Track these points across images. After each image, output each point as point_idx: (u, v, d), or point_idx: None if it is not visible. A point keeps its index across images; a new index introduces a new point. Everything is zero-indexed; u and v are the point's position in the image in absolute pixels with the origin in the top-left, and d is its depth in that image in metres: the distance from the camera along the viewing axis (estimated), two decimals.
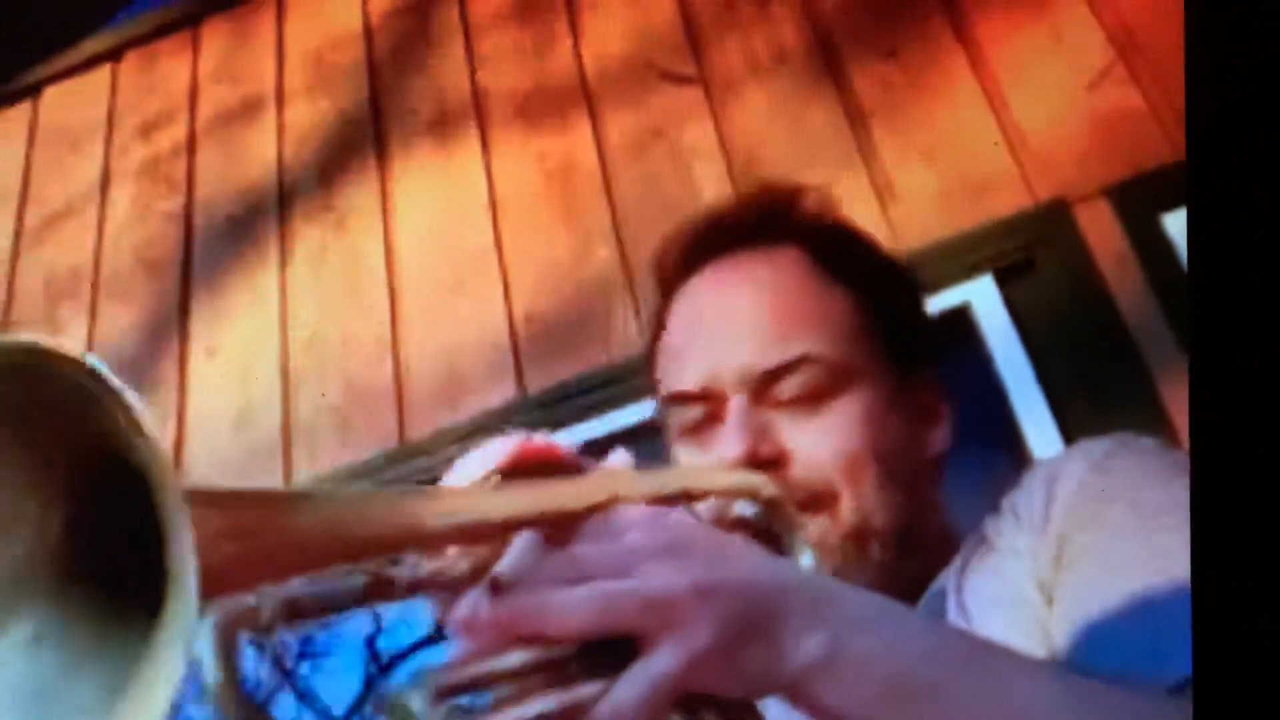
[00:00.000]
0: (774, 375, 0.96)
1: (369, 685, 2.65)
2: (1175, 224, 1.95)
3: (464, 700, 0.58)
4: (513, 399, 2.22)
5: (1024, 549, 0.87)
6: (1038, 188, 2.09)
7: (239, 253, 2.65)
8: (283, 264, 2.58)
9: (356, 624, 2.63)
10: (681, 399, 1.00)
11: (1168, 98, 2.06)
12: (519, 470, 0.71)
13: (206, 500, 0.48)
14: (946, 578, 0.93)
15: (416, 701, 0.56)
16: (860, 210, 2.17)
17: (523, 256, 2.39)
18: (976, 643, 0.75)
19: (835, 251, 1.04)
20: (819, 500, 0.94)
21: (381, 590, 0.61)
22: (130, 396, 0.46)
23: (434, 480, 2.33)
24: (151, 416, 0.46)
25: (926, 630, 0.71)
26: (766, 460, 0.93)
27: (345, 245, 2.56)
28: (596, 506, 0.67)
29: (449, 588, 0.65)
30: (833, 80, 2.36)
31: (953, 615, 0.89)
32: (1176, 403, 1.82)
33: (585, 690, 0.59)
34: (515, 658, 0.60)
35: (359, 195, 2.61)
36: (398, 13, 2.85)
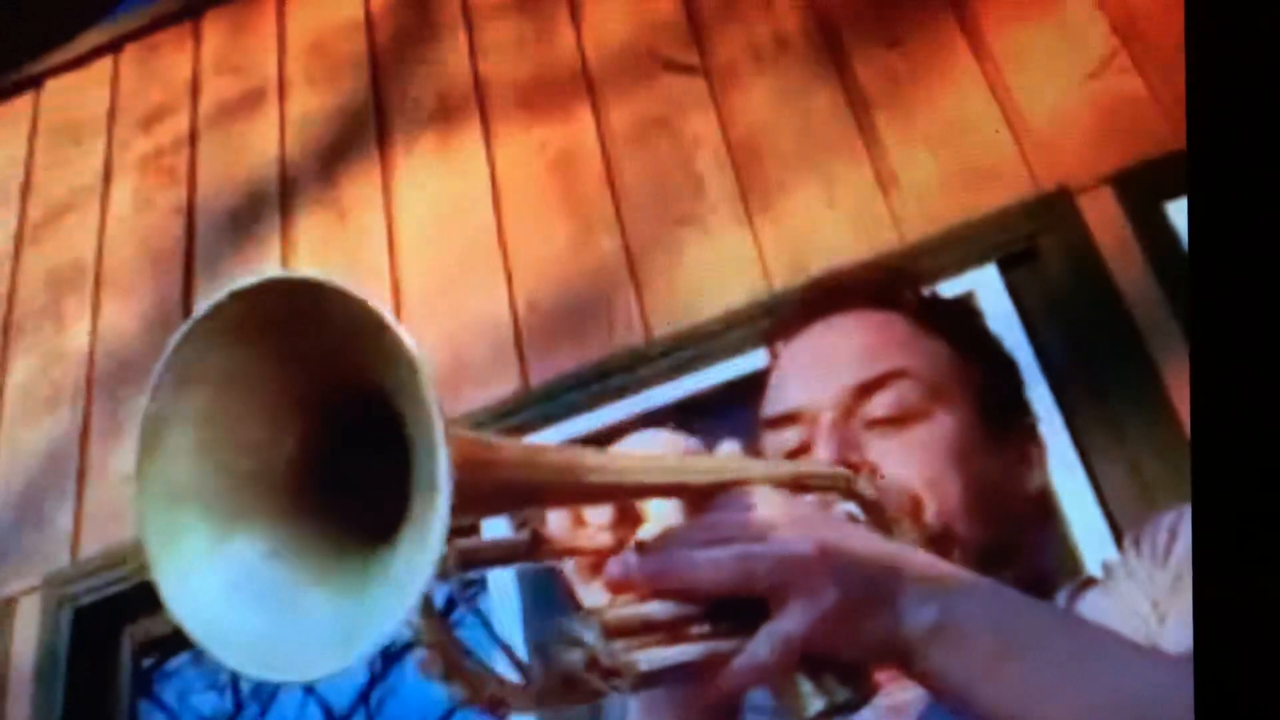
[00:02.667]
0: (865, 390, 0.99)
1: (373, 677, 2.65)
2: (1179, 212, 1.94)
3: (622, 643, 0.64)
4: (516, 389, 2.22)
5: (1142, 575, 0.90)
6: (1041, 176, 2.08)
7: (241, 245, 2.65)
8: (285, 255, 2.58)
9: None
10: (776, 422, 1.04)
11: (1170, 85, 2.05)
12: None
13: (452, 425, 0.52)
14: (1057, 600, 0.96)
15: (589, 635, 0.62)
16: (863, 199, 2.18)
17: (525, 246, 2.39)
18: (1080, 620, 0.79)
19: (938, 316, 1.09)
20: (904, 507, 0.95)
21: (540, 549, 0.69)
22: (397, 328, 0.51)
23: None
24: (415, 347, 0.51)
25: (1033, 605, 0.75)
26: (854, 467, 0.95)
27: (347, 236, 2.56)
28: (728, 483, 0.72)
29: (591, 556, 0.73)
30: (835, 69, 2.35)
31: None
32: (1180, 390, 1.81)
33: (723, 645, 0.65)
34: (660, 608, 0.66)
35: (361, 186, 2.61)
36: (398, 3, 2.85)
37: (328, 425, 0.57)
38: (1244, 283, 0.55)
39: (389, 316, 0.51)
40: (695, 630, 0.67)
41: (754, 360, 2.09)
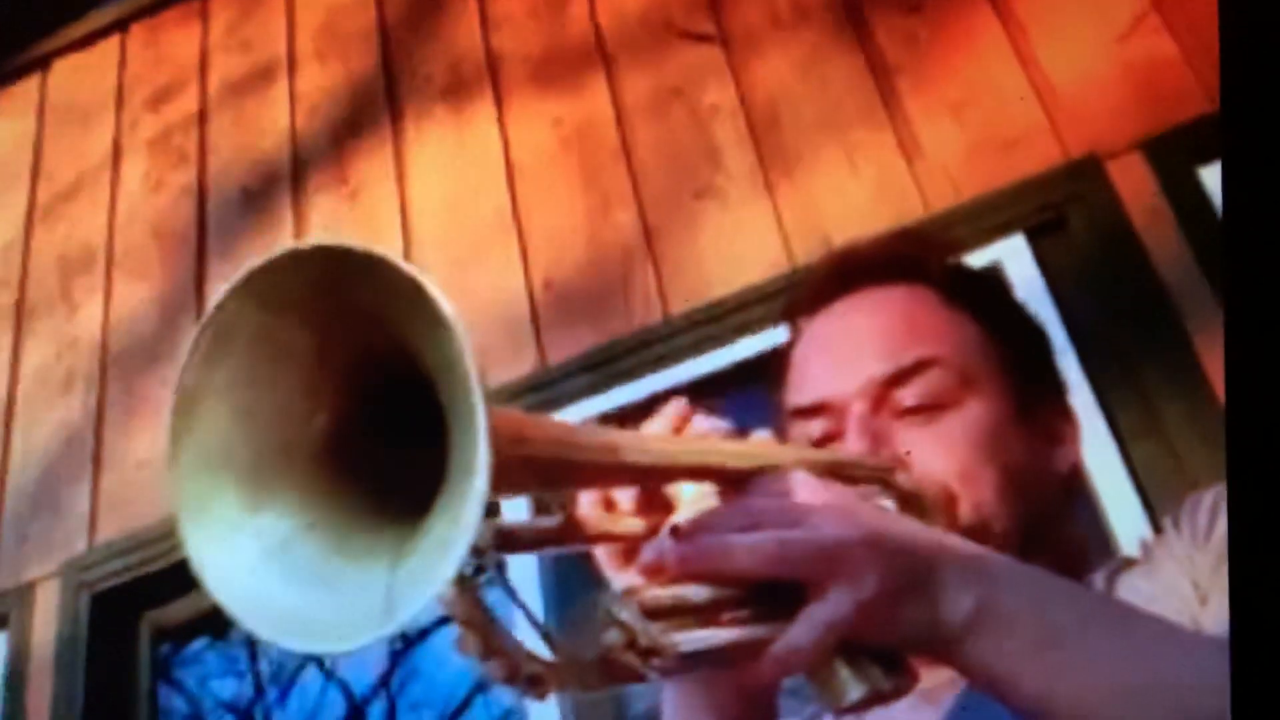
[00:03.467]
0: (895, 380, 0.98)
1: (394, 660, 2.65)
2: (1212, 177, 1.91)
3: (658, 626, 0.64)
4: (533, 367, 2.20)
5: (1183, 555, 0.89)
6: (1069, 143, 2.05)
7: (254, 224, 2.63)
8: (297, 234, 2.57)
9: None
10: (803, 412, 1.02)
11: (1203, 47, 2.01)
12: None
13: (495, 410, 0.52)
14: (1094, 583, 0.95)
15: (627, 614, 0.62)
16: (886, 169, 2.14)
17: (540, 223, 2.36)
18: (1121, 604, 0.79)
19: (965, 289, 1.07)
20: (937, 502, 0.94)
21: (574, 533, 0.70)
22: (448, 306, 0.50)
23: None
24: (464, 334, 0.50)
25: (1073, 591, 0.74)
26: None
27: (360, 214, 2.54)
28: (764, 468, 0.72)
29: (623, 542, 0.74)
30: (855, 35, 2.31)
31: None
32: (1213, 361, 1.78)
33: (761, 630, 0.65)
34: (698, 592, 0.66)
35: (373, 163, 2.59)
36: None
37: (365, 396, 0.57)
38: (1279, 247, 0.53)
39: (433, 287, 0.51)
40: (733, 615, 0.66)
41: (775, 337, 2.06)
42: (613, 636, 0.62)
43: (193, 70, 2.92)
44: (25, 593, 2.36)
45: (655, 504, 0.74)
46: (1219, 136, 0.57)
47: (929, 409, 0.97)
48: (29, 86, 3.07)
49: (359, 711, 2.63)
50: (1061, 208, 2.01)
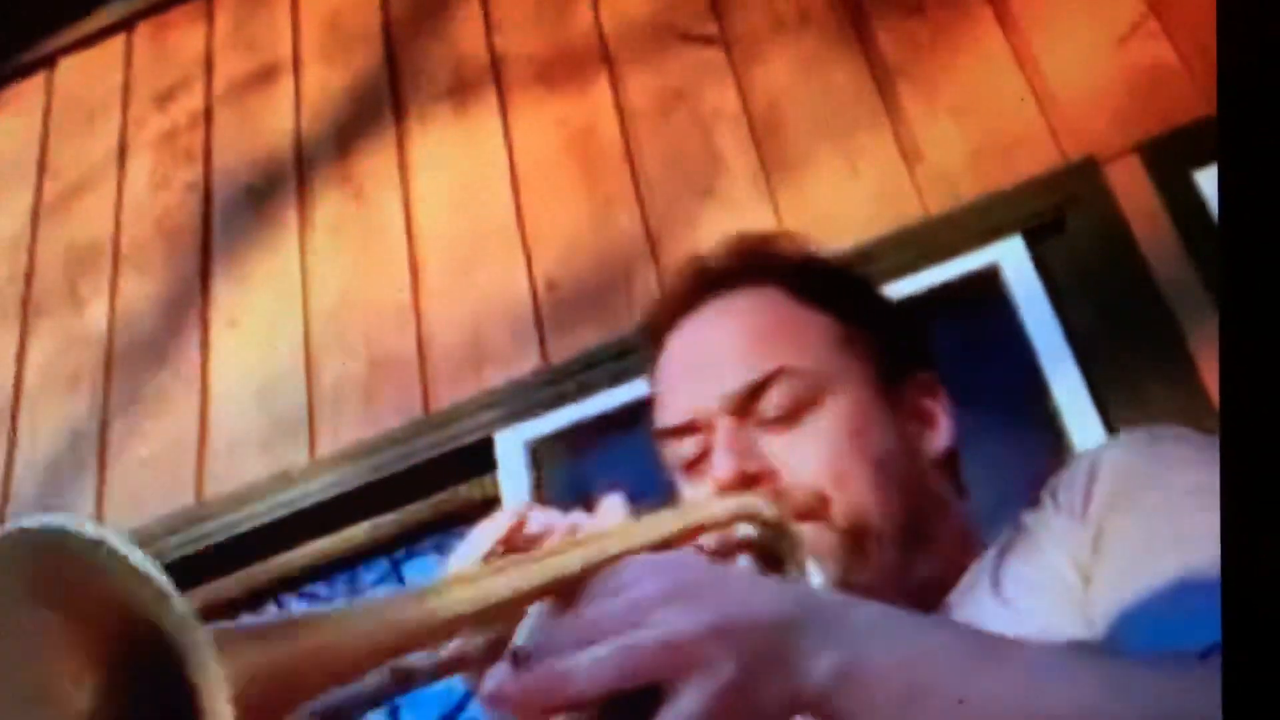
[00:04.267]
0: (753, 392, 0.99)
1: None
2: (1208, 180, 1.91)
3: None
4: (536, 367, 2.21)
5: (1063, 534, 0.88)
6: (1067, 146, 2.06)
7: (259, 223, 2.64)
8: (303, 234, 2.58)
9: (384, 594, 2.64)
10: (671, 434, 1.03)
11: (1200, 51, 2.02)
12: (516, 546, 0.74)
13: (233, 646, 0.49)
14: (980, 569, 0.95)
15: None
16: (887, 171, 2.15)
17: (544, 223, 2.37)
18: (992, 640, 0.74)
19: (809, 281, 1.07)
20: (811, 507, 0.95)
21: (408, 680, 0.66)
22: (151, 569, 0.48)
23: (458, 451, 2.30)
24: (170, 586, 0.48)
25: (940, 632, 0.72)
26: (755, 477, 0.96)
27: (365, 214, 2.55)
28: (600, 565, 0.68)
29: (470, 664, 0.70)
30: (857, 39, 2.32)
31: (990, 604, 0.90)
32: (1208, 361, 1.79)
33: None
34: None
35: (378, 163, 2.59)
36: None
37: (125, 673, 0.53)
38: (1275, 252, 0.53)
39: (129, 552, 0.49)
40: None
41: None
42: None
43: (198, 69, 2.92)
44: None
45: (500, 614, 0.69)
46: (1215, 141, 0.58)
47: (790, 415, 0.98)
48: (35, 84, 3.06)
49: None
50: (1059, 210, 2.02)
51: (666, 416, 1.05)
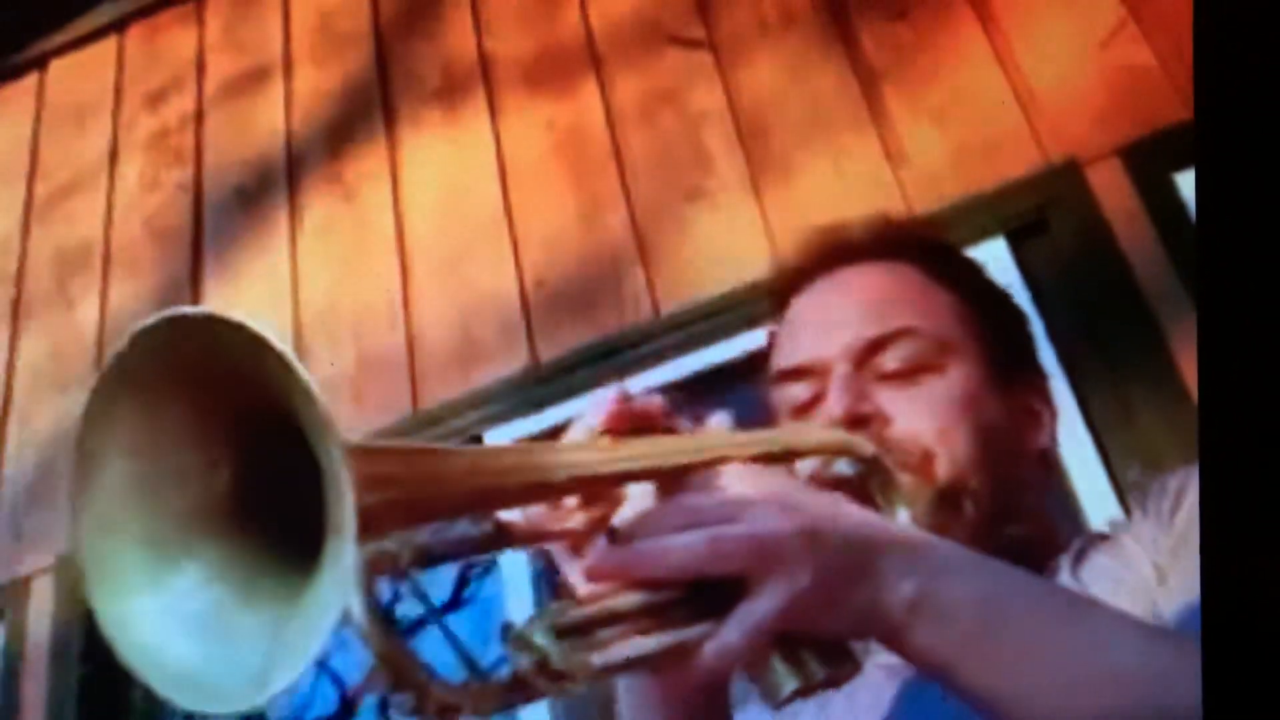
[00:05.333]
0: (877, 345, 1.00)
1: None
2: (1188, 183, 1.93)
3: (583, 638, 0.63)
4: (525, 366, 2.22)
5: (1148, 536, 0.90)
6: (1049, 148, 2.08)
7: (249, 223, 2.65)
8: (293, 234, 2.58)
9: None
10: (788, 375, 1.04)
11: (1180, 55, 2.04)
12: (623, 428, 0.75)
13: (361, 453, 0.53)
14: (1060, 563, 0.96)
15: (540, 636, 0.61)
16: (871, 172, 2.17)
17: (533, 223, 2.38)
18: (1070, 594, 0.77)
19: (945, 266, 1.09)
20: (916, 459, 0.96)
21: (504, 538, 0.69)
22: (294, 361, 0.52)
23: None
24: (312, 378, 0.52)
25: (1018, 578, 0.73)
26: (866, 419, 0.96)
27: (355, 214, 2.55)
28: (704, 463, 0.71)
29: (564, 540, 0.73)
30: (842, 41, 2.34)
31: (1068, 583, 0.92)
32: (1187, 358, 1.81)
33: (694, 630, 0.64)
34: (631, 599, 0.65)
35: (368, 163, 2.60)
36: None
37: (257, 456, 0.58)
38: (1251, 253, 0.54)
39: (277, 343, 0.52)
40: (668, 617, 0.66)
41: (763, 336, 2.09)
42: (522, 661, 0.61)
43: (189, 71, 2.92)
44: (21, 587, 2.36)
45: (601, 498, 0.73)
46: (1193, 144, 0.58)
47: (909, 373, 0.99)
48: (26, 86, 3.07)
49: (350, 704, 2.64)
50: (1041, 211, 2.04)
51: (784, 359, 1.05)
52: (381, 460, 0.57)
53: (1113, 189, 1.99)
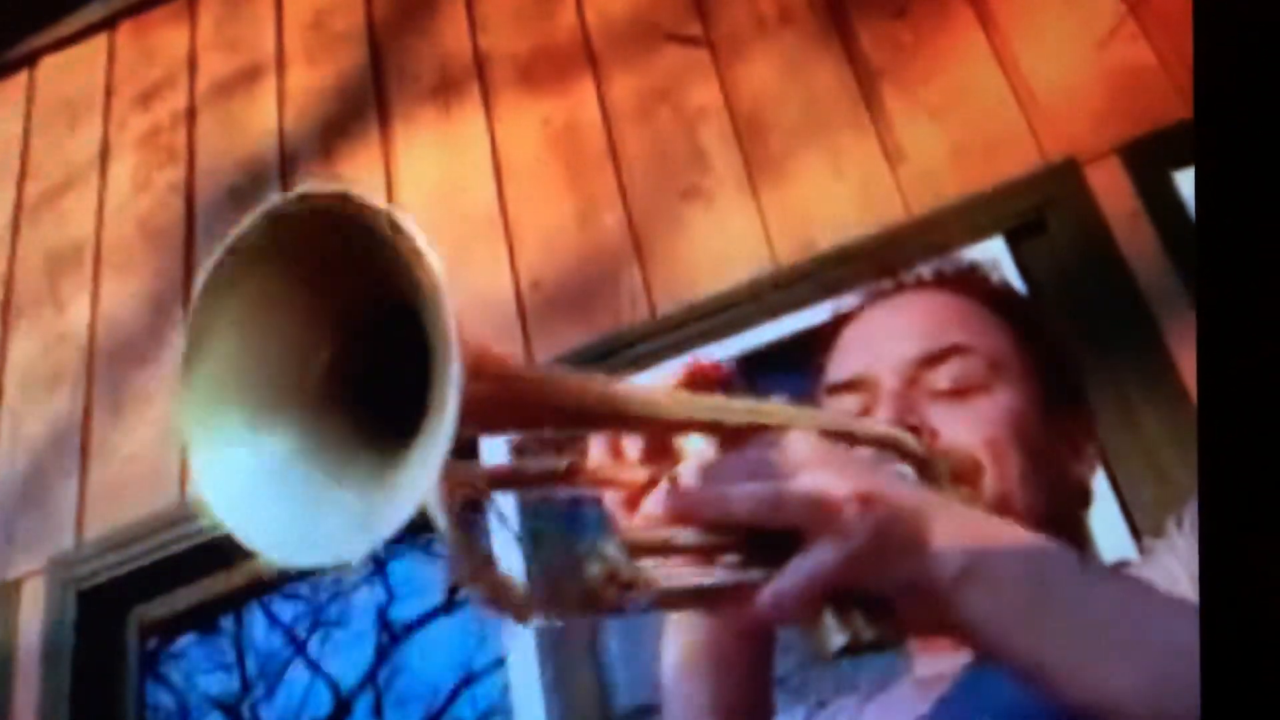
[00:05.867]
0: (929, 361, 1.01)
1: (380, 655, 2.66)
2: (1188, 182, 1.93)
3: (648, 562, 0.67)
4: None
5: (1184, 550, 0.91)
6: (1048, 147, 2.08)
7: (242, 223, 2.63)
8: None
9: (368, 595, 2.65)
10: (838, 389, 1.05)
11: (1179, 54, 2.04)
12: (694, 387, 0.78)
13: (471, 346, 0.56)
14: None
15: (612, 549, 0.65)
16: (869, 171, 2.16)
17: (528, 222, 2.38)
18: (1118, 573, 0.79)
19: (1005, 302, 1.11)
20: (965, 469, 0.96)
21: (575, 476, 0.73)
22: (424, 245, 0.55)
23: None
24: (439, 271, 0.55)
25: (1066, 555, 0.74)
26: (915, 430, 0.97)
27: None
28: (767, 426, 0.74)
29: (623, 489, 0.76)
30: (840, 40, 2.33)
31: None
32: (1186, 358, 1.81)
33: (750, 575, 0.67)
34: (690, 537, 0.69)
35: (361, 162, 2.59)
36: None
37: (361, 332, 0.61)
38: (1250, 252, 0.54)
39: (409, 225, 0.55)
40: (723, 559, 0.69)
41: (760, 335, 2.09)
42: (594, 569, 0.64)
43: (181, 68, 2.91)
44: (12, 590, 2.35)
45: (662, 455, 0.76)
46: (1192, 142, 0.57)
47: (959, 391, 0.99)
48: (17, 84, 3.05)
49: (345, 706, 2.64)
50: (1040, 210, 2.04)
51: (836, 373, 1.07)
52: (484, 359, 0.60)
53: (1112, 188, 1.99)
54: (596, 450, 0.76)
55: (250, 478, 0.59)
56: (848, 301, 1.15)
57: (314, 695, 2.63)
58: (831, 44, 2.33)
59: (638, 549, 0.66)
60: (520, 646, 2.03)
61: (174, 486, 2.33)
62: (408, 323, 0.56)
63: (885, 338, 1.05)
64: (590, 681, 2.02)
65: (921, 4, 2.30)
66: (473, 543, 0.62)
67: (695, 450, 0.74)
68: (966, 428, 0.97)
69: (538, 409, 0.66)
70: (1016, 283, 1.96)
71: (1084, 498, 1.08)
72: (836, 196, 2.17)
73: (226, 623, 2.67)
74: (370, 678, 2.62)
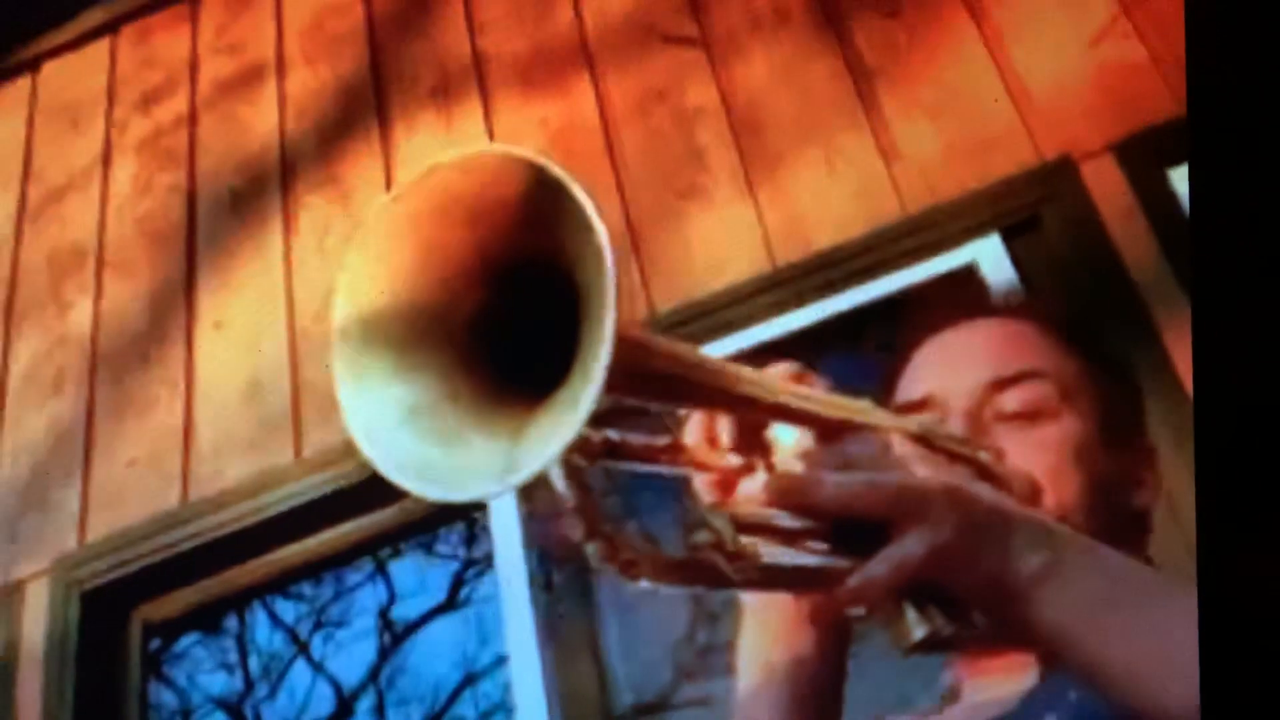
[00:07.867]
0: (999, 385, 1.02)
1: (382, 655, 2.67)
2: (1182, 179, 1.93)
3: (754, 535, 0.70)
4: None
5: None
6: (1043, 145, 2.08)
7: (243, 225, 2.64)
8: (287, 235, 2.58)
9: (370, 595, 2.65)
10: (909, 407, 1.05)
11: (1172, 51, 2.04)
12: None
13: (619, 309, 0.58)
14: None
15: (719, 520, 0.68)
16: (865, 170, 2.17)
17: None
18: (1183, 584, 0.79)
19: (1071, 329, 1.12)
20: (1025, 492, 0.97)
21: (677, 454, 0.76)
22: (588, 203, 0.57)
23: None
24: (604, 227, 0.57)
25: (1137, 565, 0.78)
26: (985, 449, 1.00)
27: (349, 214, 2.55)
28: (859, 424, 0.77)
29: (716, 474, 0.79)
30: (835, 38, 2.34)
31: None
32: (1182, 354, 1.81)
33: (838, 562, 0.70)
34: (788, 519, 0.72)
35: (362, 164, 2.60)
36: None
37: (513, 289, 0.64)
38: (1245, 249, 0.55)
39: (579, 192, 0.57)
40: (814, 545, 0.72)
41: (758, 334, 2.10)
42: (703, 536, 0.67)
43: (182, 72, 2.92)
44: (15, 591, 2.35)
45: (754, 444, 0.79)
46: (1186, 139, 0.59)
47: (1029, 416, 1.01)
48: (19, 87, 3.06)
49: (347, 706, 2.64)
50: (1035, 208, 2.04)
51: (907, 391, 1.08)
52: (623, 324, 0.61)
53: (1106, 185, 1.99)
54: (692, 433, 0.79)
55: (394, 420, 0.62)
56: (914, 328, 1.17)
57: (316, 695, 2.64)
58: (827, 43, 2.34)
59: (741, 525, 0.69)
60: (522, 646, 2.03)
61: (176, 488, 2.34)
62: (558, 285, 0.59)
63: (959, 360, 1.07)
64: (592, 680, 2.02)
65: (915, 3, 2.31)
66: (592, 502, 0.65)
67: (787, 444, 0.77)
68: (1031, 453, 0.99)
69: (660, 378, 0.68)
70: (1012, 280, 1.98)
71: (1144, 526, 1.09)
72: (832, 195, 2.17)
73: (229, 623, 2.68)
74: (372, 677, 2.62)
